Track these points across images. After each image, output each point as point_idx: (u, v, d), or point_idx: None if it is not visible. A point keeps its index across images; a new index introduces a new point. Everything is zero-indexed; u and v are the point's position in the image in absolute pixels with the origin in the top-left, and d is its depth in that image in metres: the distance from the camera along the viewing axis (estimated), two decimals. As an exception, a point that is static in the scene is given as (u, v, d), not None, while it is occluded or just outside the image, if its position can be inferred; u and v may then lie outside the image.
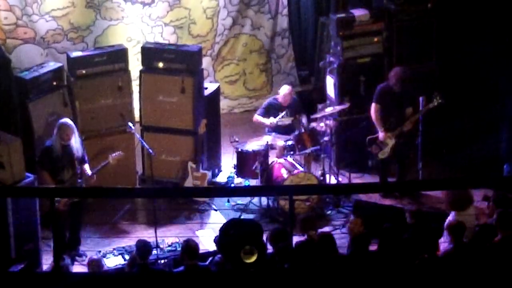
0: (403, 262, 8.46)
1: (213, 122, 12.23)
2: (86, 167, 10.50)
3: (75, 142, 10.35)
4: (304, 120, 11.93)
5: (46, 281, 7.35)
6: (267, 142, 11.56)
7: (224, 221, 10.39)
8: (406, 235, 9.09)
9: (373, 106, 11.51)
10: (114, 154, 10.60)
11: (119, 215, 11.27)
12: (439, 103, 11.21)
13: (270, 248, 8.71)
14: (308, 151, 11.56)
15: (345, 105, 11.90)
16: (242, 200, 11.69)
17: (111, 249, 10.57)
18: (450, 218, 9.38)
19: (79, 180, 10.41)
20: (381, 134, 11.45)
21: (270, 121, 11.86)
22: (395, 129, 11.43)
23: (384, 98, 11.43)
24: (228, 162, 12.18)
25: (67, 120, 10.43)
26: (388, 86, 11.43)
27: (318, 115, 11.93)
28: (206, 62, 13.54)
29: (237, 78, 14.38)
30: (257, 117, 12.05)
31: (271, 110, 11.97)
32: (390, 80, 11.37)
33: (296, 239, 8.91)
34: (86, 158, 10.55)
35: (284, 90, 12.00)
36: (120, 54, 11.70)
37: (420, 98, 11.18)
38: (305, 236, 9.18)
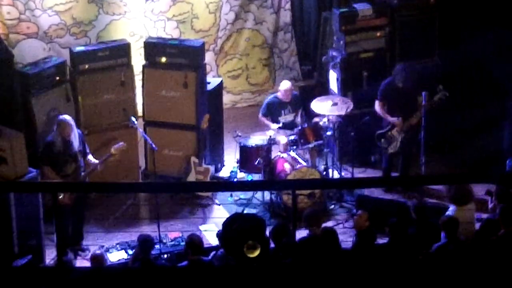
0: (407, 257, 8.47)
1: (216, 117, 12.23)
2: (91, 157, 10.45)
3: (75, 138, 10.30)
4: (301, 114, 11.94)
5: (49, 275, 7.35)
6: (270, 136, 11.56)
7: (227, 215, 10.39)
8: (410, 230, 9.09)
9: (376, 103, 11.52)
10: (116, 146, 10.51)
11: (122, 209, 11.28)
12: (444, 95, 11.23)
13: (272, 243, 8.71)
14: (311, 145, 11.56)
15: (350, 107, 11.74)
16: (245, 195, 11.68)
17: (114, 244, 10.60)
18: (449, 212, 9.39)
19: (82, 173, 10.38)
20: (396, 122, 11.44)
21: (274, 127, 11.77)
22: (404, 122, 11.44)
23: (388, 95, 11.44)
24: (231, 156, 12.18)
25: (65, 116, 10.35)
26: (392, 82, 11.43)
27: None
28: (209, 57, 13.53)
29: (240, 73, 14.37)
30: (262, 119, 11.99)
31: (273, 108, 11.93)
32: (395, 77, 11.36)
33: (298, 233, 8.91)
34: (88, 150, 10.51)
35: (285, 86, 11.93)
36: (122, 49, 11.68)
37: (423, 93, 11.17)
38: (308, 231, 9.17)
